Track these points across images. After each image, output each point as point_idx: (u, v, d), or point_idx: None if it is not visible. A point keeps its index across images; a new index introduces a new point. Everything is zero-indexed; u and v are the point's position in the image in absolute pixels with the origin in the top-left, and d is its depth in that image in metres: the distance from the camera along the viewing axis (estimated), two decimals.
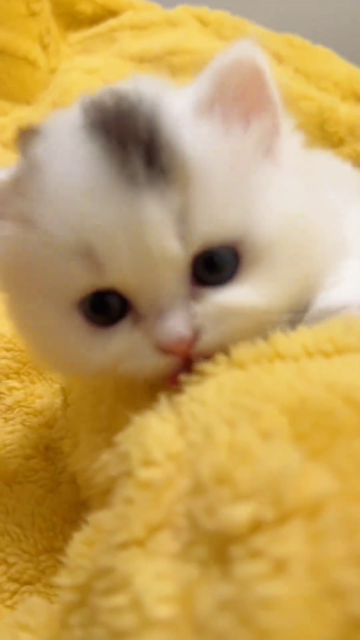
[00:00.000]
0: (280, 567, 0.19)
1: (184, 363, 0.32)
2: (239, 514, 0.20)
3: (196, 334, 0.31)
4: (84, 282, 0.31)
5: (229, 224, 0.32)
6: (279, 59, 0.94)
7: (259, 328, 0.32)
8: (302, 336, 0.31)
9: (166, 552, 0.22)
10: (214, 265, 0.32)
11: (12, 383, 0.55)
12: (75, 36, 1.15)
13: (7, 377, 0.55)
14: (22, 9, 1.06)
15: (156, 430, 0.28)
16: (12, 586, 0.39)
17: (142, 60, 0.99)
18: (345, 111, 0.85)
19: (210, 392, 0.29)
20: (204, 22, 1.02)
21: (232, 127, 0.33)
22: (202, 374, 0.31)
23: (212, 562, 0.21)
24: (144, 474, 0.25)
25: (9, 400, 0.54)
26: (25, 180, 0.32)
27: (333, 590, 0.18)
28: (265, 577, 0.19)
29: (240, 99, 0.33)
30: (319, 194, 0.37)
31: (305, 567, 0.19)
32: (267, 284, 0.33)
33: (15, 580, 0.39)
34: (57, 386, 0.53)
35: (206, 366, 0.31)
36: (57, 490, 0.44)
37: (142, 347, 0.32)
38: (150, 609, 0.21)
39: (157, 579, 0.21)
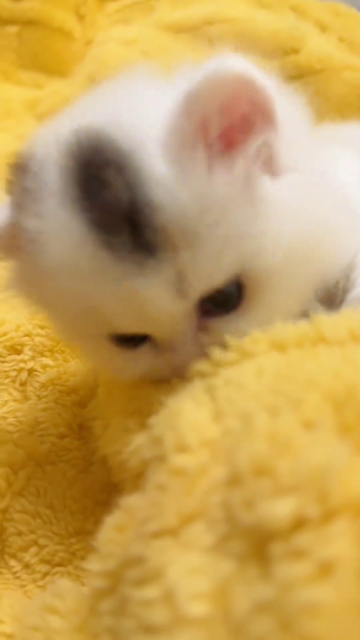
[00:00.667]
0: (325, 569, 0.18)
1: None
2: (281, 509, 0.19)
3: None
4: (101, 328, 0.33)
5: (226, 267, 0.30)
6: (322, 27, 0.91)
7: None
8: (348, 319, 0.30)
9: (200, 544, 0.21)
10: (219, 301, 0.32)
11: (46, 361, 0.54)
12: (113, 6, 1.12)
13: (41, 354, 0.54)
14: None
15: (190, 415, 0.26)
16: (44, 567, 0.38)
17: (180, 30, 0.96)
18: None
19: (249, 375, 0.28)
20: None
21: (216, 160, 0.29)
22: (240, 352, 0.29)
23: (250, 558, 0.20)
24: (178, 460, 0.24)
25: (42, 378, 0.54)
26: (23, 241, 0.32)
27: None
28: (309, 579, 0.18)
29: (224, 122, 0.29)
30: (329, 187, 0.35)
31: (353, 570, 0.18)
32: (272, 307, 0.33)
33: (47, 562, 0.39)
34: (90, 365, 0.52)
35: (245, 344, 0.29)
36: (89, 471, 0.44)
37: (162, 368, 0.34)
38: (184, 605, 0.19)
39: (191, 572, 0.20)
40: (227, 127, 0.29)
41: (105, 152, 0.29)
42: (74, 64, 1.05)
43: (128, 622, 0.21)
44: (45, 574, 0.38)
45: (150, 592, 0.21)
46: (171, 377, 0.33)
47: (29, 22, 1.05)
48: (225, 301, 0.32)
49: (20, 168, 0.33)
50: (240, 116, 0.29)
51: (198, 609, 0.19)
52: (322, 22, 0.90)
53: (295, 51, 0.86)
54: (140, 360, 0.35)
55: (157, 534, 0.22)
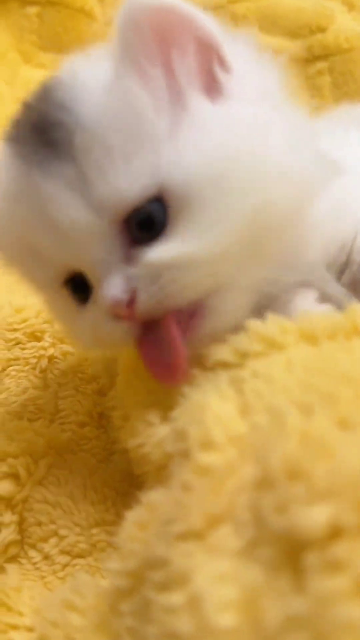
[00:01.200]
0: None
1: (143, 327, 0.32)
2: (316, 516, 0.18)
3: (133, 295, 0.31)
4: (48, 273, 0.34)
5: (139, 177, 0.30)
6: (349, 5, 0.88)
7: (207, 278, 0.31)
8: None
9: (228, 548, 0.20)
10: (146, 223, 0.31)
11: (67, 348, 0.54)
12: None
13: (62, 341, 0.54)
14: None
15: (216, 409, 0.25)
16: (64, 559, 0.38)
17: (204, 8, 0.94)
18: None
19: (278, 368, 0.26)
20: None
21: (142, 80, 0.31)
22: (268, 343, 0.28)
23: (281, 567, 0.18)
24: (204, 458, 0.23)
25: (62, 365, 0.53)
26: None
27: None
28: (347, 595, 0.16)
29: (154, 49, 0.31)
30: (292, 124, 0.34)
31: None
32: (199, 230, 0.31)
33: (67, 553, 0.38)
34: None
35: (273, 334, 0.28)
36: (109, 460, 0.43)
37: (100, 318, 0.33)
38: (211, 614, 0.18)
39: (218, 579, 0.19)
40: (158, 48, 0.31)
41: (38, 95, 0.33)
42: (95, 44, 1.04)
43: (152, 629, 0.20)
44: (65, 565, 0.38)
45: (175, 598, 0.20)
46: (107, 333, 0.32)
47: (49, 3, 1.04)
48: (149, 224, 0.31)
49: None
50: (169, 36, 0.31)
51: (226, 619, 0.18)
52: (350, 0, 0.87)
53: (321, 30, 0.83)
54: (87, 315, 0.34)
55: (182, 536, 0.21)
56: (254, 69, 0.34)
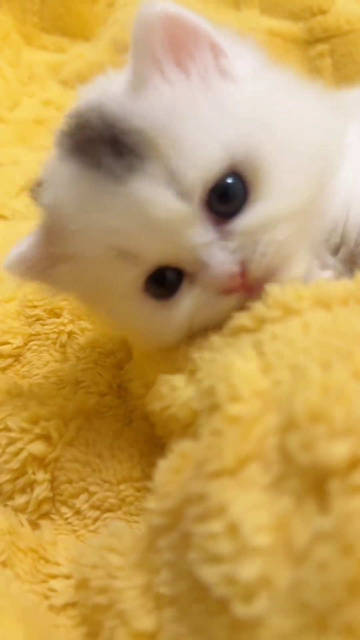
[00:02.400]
0: None
1: (249, 293, 0.34)
2: (337, 450, 0.21)
3: (243, 265, 0.34)
4: (136, 271, 0.36)
5: (213, 155, 0.33)
6: None
7: (298, 233, 0.34)
8: None
9: (258, 483, 0.23)
10: (227, 195, 0.34)
11: (85, 324, 0.56)
12: None
13: (80, 318, 0.56)
14: None
15: (241, 368, 0.28)
16: (94, 513, 0.41)
17: None
18: None
19: (295, 331, 0.29)
20: None
21: (172, 78, 0.35)
22: (284, 309, 0.31)
23: (307, 495, 0.21)
24: (233, 409, 0.26)
25: (81, 340, 0.56)
26: (48, 231, 0.38)
27: None
28: None
29: (168, 51, 0.35)
30: (297, 101, 0.38)
31: None
32: (277, 190, 0.34)
33: (97, 508, 0.41)
34: None
35: (288, 300, 0.31)
36: (132, 425, 0.46)
37: (207, 298, 0.35)
38: (248, 536, 0.21)
39: (252, 508, 0.22)
40: (172, 51, 0.35)
41: (85, 112, 0.36)
42: (97, 26, 1.05)
43: (193, 555, 0.23)
44: (96, 519, 0.41)
45: (214, 526, 0.23)
46: (217, 310, 0.34)
47: None
48: (232, 197, 0.34)
49: (38, 184, 0.40)
50: (180, 41, 0.35)
51: (262, 539, 0.21)
52: None
53: (322, 12, 0.85)
54: (183, 302, 0.36)
55: (217, 474, 0.24)
56: (245, 52, 0.39)
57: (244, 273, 0.34)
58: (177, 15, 0.34)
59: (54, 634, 0.33)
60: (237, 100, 0.36)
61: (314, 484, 0.21)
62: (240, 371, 0.28)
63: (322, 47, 0.83)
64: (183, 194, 0.33)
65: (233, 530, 0.22)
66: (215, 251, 0.34)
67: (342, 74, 0.82)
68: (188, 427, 0.33)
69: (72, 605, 0.35)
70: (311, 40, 0.84)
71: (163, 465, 0.29)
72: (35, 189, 0.39)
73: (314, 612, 0.19)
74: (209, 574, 0.22)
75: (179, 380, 0.36)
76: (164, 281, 0.36)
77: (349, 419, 0.22)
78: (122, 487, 0.41)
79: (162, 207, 0.33)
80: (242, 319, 0.33)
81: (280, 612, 0.20)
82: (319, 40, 0.84)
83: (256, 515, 0.22)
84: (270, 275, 0.34)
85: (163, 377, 0.38)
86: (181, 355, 0.38)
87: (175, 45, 0.35)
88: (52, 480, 0.42)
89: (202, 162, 0.33)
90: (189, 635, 0.24)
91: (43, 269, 0.39)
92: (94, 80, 0.42)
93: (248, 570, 0.21)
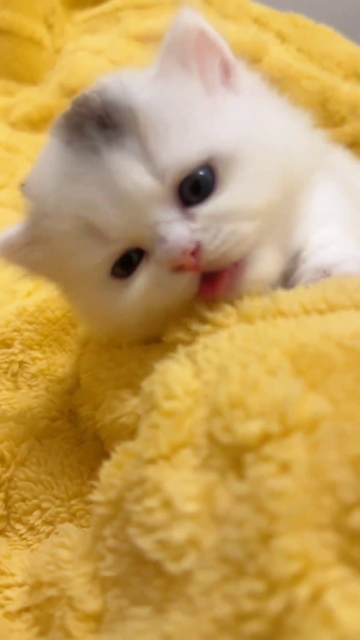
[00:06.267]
0: (285, 468, 0.24)
1: (203, 279, 0.37)
2: (252, 429, 0.26)
3: (198, 246, 0.36)
4: (104, 254, 0.38)
5: (195, 149, 0.37)
6: (282, 37, 0.99)
7: (263, 235, 0.38)
8: (300, 296, 0.37)
9: (189, 464, 0.28)
10: (198, 186, 0.38)
11: (35, 354, 0.60)
12: (80, 16, 1.19)
13: (30, 348, 0.60)
14: None
15: (176, 372, 0.33)
16: (47, 528, 0.44)
17: (147, 39, 1.03)
18: (347, 90, 0.90)
19: (223, 341, 0.35)
20: (207, 1, 1.07)
21: (186, 76, 0.41)
22: (214, 324, 0.36)
23: (228, 469, 0.26)
24: (167, 405, 0.31)
25: (33, 369, 0.59)
26: (32, 215, 0.41)
27: (328, 485, 0.24)
28: (274, 475, 0.24)
29: (189, 54, 0.41)
30: (284, 122, 0.45)
31: (306, 467, 0.24)
32: (246, 186, 0.38)
33: (50, 523, 0.44)
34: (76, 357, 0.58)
35: (218, 317, 0.36)
36: (82, 446, 0.50)
37: (159, 276, 0.37)
38: (179, 505, 0.26)
39: (183, 483, 0.27)
40: (195, 56, 0.41)
41: (89, 94, 0.40)
42: (45, 71, 1.12)
43: (132, 530, 0.28)
44: (49, 534, 0.44)
45: (151, 502, 0.27)
46: (168, 289, 0.37)
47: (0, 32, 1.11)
48: (203, 188, 0.38)
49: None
50: (200, 47, 0.41)
51: (190, 507, 0.26)
52: (282, 33, 0.98)
53: (256, 61, 0.94)
54: (138, 281, 0.38)
55: (153, 460, 0.28)
56: (248, 74, 0.46)
57: (197, 252, 0.36)
58: (207, 29, 0.42)
59: (9, 638, 0.37)
60: (231, 109, 0.41)
61: (234, 460, 0.26)
62: (175, 374, 0.33)
63: None
64: (155, 173, 0.37)
65: (167, 504, 0.27)
66: (174, 226, 0.36)
67: None
68: (134, 433, 0.38)
69: (26, 609, 0.38)
70: None
71: (107, 464, 0.34)
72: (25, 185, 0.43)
73: (233, 563, 0.24)
74: (146, 542, 0.27)
75: (126, 392, 0.41)
76: (129, 263, 0.39)
77: (261, 405, 0.27)
78: (72, 502, 0.45)
79: (131, 181, 0.36)
80: (178, 332, 0.38)
81: (206, 567, 0.25)
82: None
83: (186, 488, 0.27)
84: (223, 264, 0.37)
85: (113, 391, 0.43)
86: (127, 372, 0.43)
87: (199, 52, 0.41)
88: (6, 499, 0.46)
89: (181, 152, 0.37)
90: (130, 606, 0.28)
91: (25, 254, 0.42)
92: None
93: (178, 534, 0.26)
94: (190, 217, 0.37)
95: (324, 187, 0.48)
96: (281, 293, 0.37)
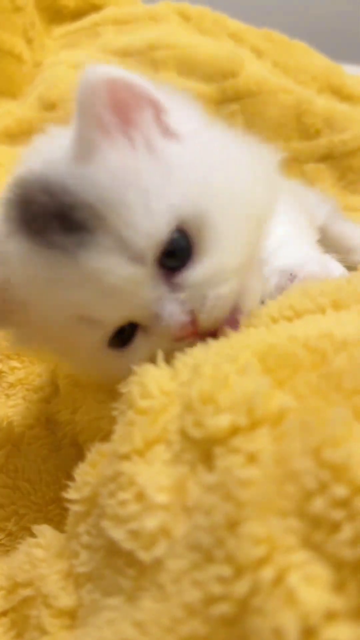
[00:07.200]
0: (252, 458, 0.26)
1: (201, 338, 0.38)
2: (221, 422, 0.27)
3: (193, 314, 0.38)
4: (99, 334, 0.39)
5: (162, 219, 0.36)
6: (258, 53, 1.02)
7: (239, 283, 0.39)
8: (269, 308, 0.39)
9: (161, 459, 0.29)
10: (174, 251, 0.37)
11: (14, 363, 0.61)
12: (59, 30, 1.21)
13: (9, 357, 0.61)
14: (6, 4, 1.12)
15: (153, 373, 0.34)
16: (25, 533, 0.45)
17: (125, 54, 1.06)
18: (322, 104, 0.93)
19: (199, 348, 0.36)
20: (185, 17, 1.10)
21: (116, 144, 0.37)
22: None
23: (198, 462, 0.28)
24: (143, 403, 0.32)
25: (11, 379, 0.60)
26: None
27: (292, 474, 0.25)
28: (241, 465, 0.26)
29: (113, 116, 0.37)
30: (236, 158, 0.42)
31: (272, 458, 0.26)
32: (218, 247, 0.38)
33: (27, 529, 0.45)
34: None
35: None
36: (59, 452, 0.51)
37: (161, 344, 0.38)
38: (152, 496, 0.27)
39: (155, 475, 0.28)
40: (116, 115, 0.37)
41: (30, 184, 0.37)
42: (24, 85, 1.13)
43: (106, 522, 0.29)
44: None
45: (125, 495, 0.28)
46: (178, 350, 0.37)
47: None
48: (179, 253, 0.37)
49: None
50: (123, 104, 0.37)
51: (161, 497, 0.27)
52: (258, 48, 1.01)
53: (233, 75, 0.97)
54: (140, 349, 0.39)
55: (128, 455, 0.30)
56: (185, 108, 0.43)
57: (194, 322, 0.37)
58: (119, 78, 0.36)
59: None
60: (180, 161, 0.38)
61: (204, 453, 0.28)
62: (152, 375, 0.34)
63: (233, 107, 0.95)
64: (135, 258, 0.36)
65: (139, 495, 0.28)
66: (166, 303, 0.37)
67: (253, 131, 0.94)
68: (109, 436, 0.39)
69: (3, 614, 0.39)
70: (224, 100, 0.96)
71: (81, 465, 0.35)
72: None
73: (202, 550, 0.25)
74: (119, 533, 0.28)
75: (106, 395, 0.42)
76: (122, 334, 0.39)
77: (231, 400, 0.28)
78: (50, 507, 0.46)
79: (117, 275, 0.35)
80: None
81: (176, 555, 0.26)
82: (231, 100, 0.96)
83: (159, 480, 0.28)
84: (219, 324, 0.38)
85: (93, 394, 0.44)
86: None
87: (119, 109, 0.37)
88: None
89: (151, 229, 0.36)
90: (102, 598, 0.29)
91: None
92: (33, 140, 0.43)
93: (150, 524, 0.27)
94: (177, 288, 0.38)
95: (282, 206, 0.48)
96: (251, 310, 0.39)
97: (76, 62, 1.06)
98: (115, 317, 0.38)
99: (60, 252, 0.36)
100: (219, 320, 0.38)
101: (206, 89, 0.95)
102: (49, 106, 0.99)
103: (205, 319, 0.38)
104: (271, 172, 0.45)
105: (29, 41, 1.16)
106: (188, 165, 0.38)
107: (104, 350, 0.39)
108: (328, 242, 0.67)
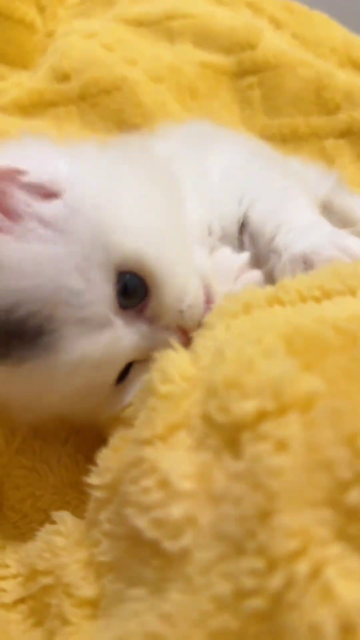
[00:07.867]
0: (282, 445, 0.25)
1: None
2: (247, 408, 0.26)
3: (181, 329, 0.41)
4: (100, 395, 0.41)
5: (102, 275, 0.37)
6: (276, 24, 0.99)
7: (199, 275, 0.43)
8: (299, 283, 0.38)
9: (184, 445, 0.28)
10: (129, 291, 0.39)
11: None
12: None
13: None
14: None
15: (173, 358, 0.34)
16: (41, 516, 0.45)
17: (140, 24, 1.03)
18: (342, 78, 0.90)
19: (220, 331, 0.35)
20: None
21: (10, 232, 0.37)
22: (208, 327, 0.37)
23: (223, 448, 0.27)
24: (164, 388, 0.31)
25: None
26: None
27: (324, 462, 0.24)
28: (271, 452, 0.25)
29: None
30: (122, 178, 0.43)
31: (302, 445, 0.25)
32: (165, 262, 0.40)
33: (43, 511, 0.45)
34: None
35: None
36: (78, 434, 0.50)
37: None
38: (176, 484, 0.27)
39: (179, 462, 0.27)
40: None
41: None
42: (36, 55, 1.10)
43: (129, 510, 0.28)
44: (43, 522, 0.44)
45: (147, 482, 0.28)
46: None
47: None
48: (138, 290, 0.39)
49: None
50: None
51: (186, 485, 0.26)
52: (277, 19, 0.98)
53: (251, 47, 0.94)
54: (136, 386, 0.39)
55: (149, 440, 0.29)
56: (53, 156, 0.42)
57: (185, 333, 0.41)
58: None
59: (7, 629, 0.37)
60: (76, 216, 0.38)
61: (228, 439, 0.27)
62: (172, 360, 0.33)
63: (251, 79, 0.93)
64: (100, 325, 0.37)
65: (163, 482, 0.27)
66: (153, 338, 0.40)
67: (270, 105, 0.92)
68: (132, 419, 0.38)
69: (22, 600, 0.39)
70: (241, 73, 0.94)
71: (104, 449, 0.34)
72: None
73: (232, 542, 0.25)
74: (142, 521, 0.27)
75: None
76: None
77: (256, 384, 0.27)
78: (67, 490, 0.45)
79: (94, 349, 0.37)
80: None
81: (204, 545, 0.25)
82: (248, 72, 0.93)
83: (182, 467, 0.27)
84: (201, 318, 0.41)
85: None
86: None
87: None
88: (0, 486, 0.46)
89: (99, 292, 0.37)
90: (126, 589, 0.28)
91: None
92: None
93: (175, 512, 0.26)
94: (155, 319, 0.40)
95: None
96: (285, 281, 0.37)
97: (89, 31, 1.03)
98: (113, 374, 0.40)
99: (24, 360, 0.37)
100: (201, 317, 0.41)
101: (223, 61, 0.93)
102: (62, 77, 0.97)
103: (192, 325, 0.41)
104: (165, 175, 0.47)
105: (41, 10, 1.13)
106: (87, 214, 0.38)
107: (111, 388, 0.41)
108: (333, 216, 0.68)
